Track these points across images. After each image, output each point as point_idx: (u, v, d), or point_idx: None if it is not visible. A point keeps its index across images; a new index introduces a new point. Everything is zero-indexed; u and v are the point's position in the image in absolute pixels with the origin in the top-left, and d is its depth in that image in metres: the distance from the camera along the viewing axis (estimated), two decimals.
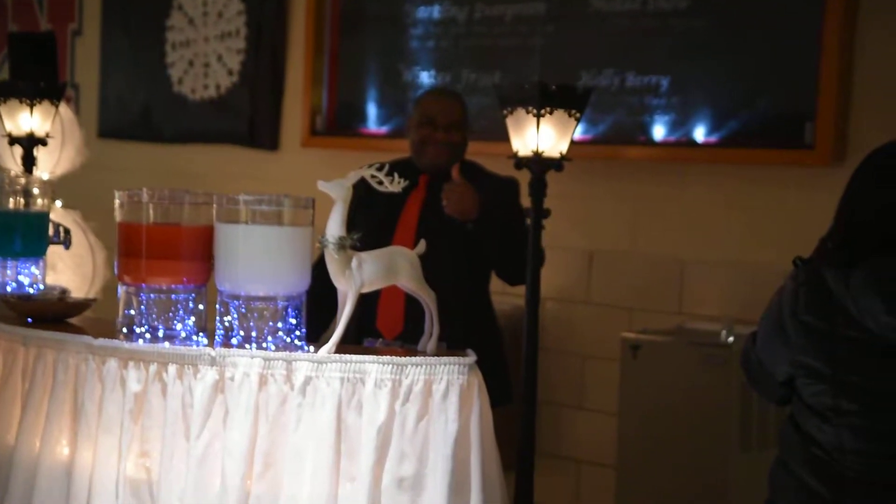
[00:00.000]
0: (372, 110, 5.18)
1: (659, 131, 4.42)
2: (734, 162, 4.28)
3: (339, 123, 5.29)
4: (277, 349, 2.85)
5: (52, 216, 3.54)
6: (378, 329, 3.75)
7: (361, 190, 2.92)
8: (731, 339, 3.98)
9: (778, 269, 4.21)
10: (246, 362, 2.80)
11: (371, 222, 3.54)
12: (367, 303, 3.62)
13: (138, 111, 5.93)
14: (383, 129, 5.11)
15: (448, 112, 3.88)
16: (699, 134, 4.33)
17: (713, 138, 4.31)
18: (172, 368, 2.84)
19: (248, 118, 5.58)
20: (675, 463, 3.98)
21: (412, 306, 2.94)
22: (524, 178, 3.81)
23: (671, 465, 3.99)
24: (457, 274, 3.73)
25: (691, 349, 4.02)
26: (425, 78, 5.02)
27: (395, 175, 2.90)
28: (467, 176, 3.67)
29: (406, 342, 3.12)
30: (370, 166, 2.90)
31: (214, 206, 2.97)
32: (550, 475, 4.37)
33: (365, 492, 2.73)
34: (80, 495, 2.90)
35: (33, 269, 3.32)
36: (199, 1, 5.71)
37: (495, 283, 4.77)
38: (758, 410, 3.98)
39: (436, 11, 4.99)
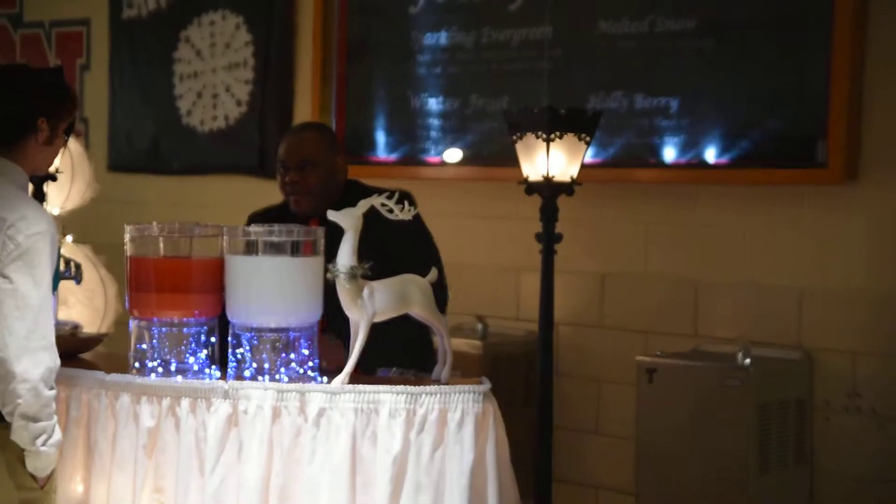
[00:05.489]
0: (380, 137, 5.17)
1: (670, 153, 4.40)
2: (746, 182, 4.26)
3: (347, 151, 5.28)
4: (290, 381, 2.84)
5: (63, 251, 3.54)
6: None
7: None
8: (747, 360, 3.95)
9: (794, 289, 4.20)
10: (259, 395, 2.79)
11: None
12: None
13: (148, 144, 5.94)
14: (392, 157, 5.10)
15: (296, 151, 3.44)
16: (710, 155, 4.31)
17: (724, 159, 4.29)
18: (185, 402, 2.83)
19: (257, 148, 5.58)
20: (695, 486, 3.94)
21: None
22: (535, 203, 3.80)
23: (690, 488, 3.95)
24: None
25: (708, 372, 3.98)
26: (433, 104, 5.01)
27: (406, 203, 2.89)
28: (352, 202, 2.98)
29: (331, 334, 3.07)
30: (379, 195, 2.89)
31: (224, 237, 2.96)
32: (568, 502, 4.33)
33: None
34: None
35: None
36: (206, 32, 5.73)
37: (508, 310, 4.75)
38: (777, 432, 3.94)
39: (443, 37, 4.99)
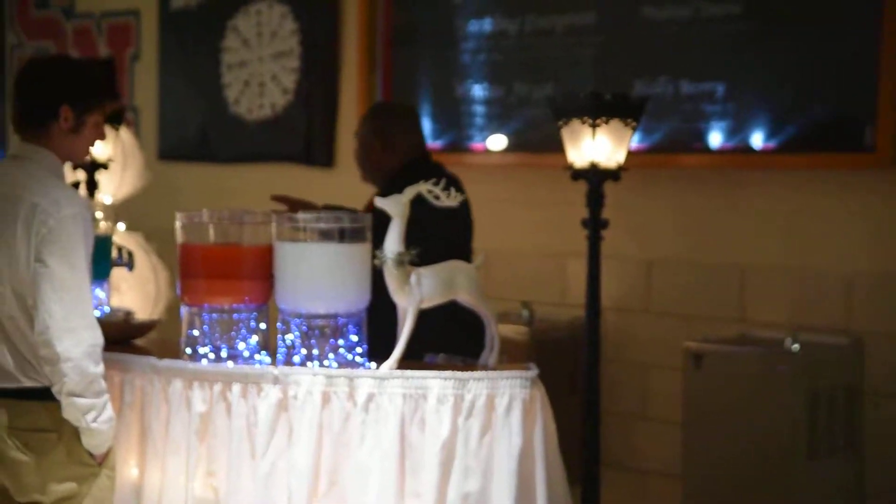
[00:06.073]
0: (425, 125, 5.19)
1: (715, 138, 4.38)
2: (793, 167, 4.23)
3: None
4: (339, 366, 2.87)
5: (115, 239, 3.60)
6: None
7: None
8: (795, 346, 3.93)
9: (841, 274, 4.17)
10: (308, 380, 2.82)
11: None
12: None
13: (196, 132, 6.00)
14: (437, 144, 5.12)
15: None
16: (756, 140, 4.29)
17: (771, 144, 4.26)
18: (237, 388, 2.87)
19: (303, 136, 5.62)
20: (742, 472, 3.93)
21: None
22: (580, 189, 3.80)
23: (738, 474, 3.94)
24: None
25: (756, 357, 3.97)
26: (478, 91, 5.02)
27: (452, 189, 2.91)
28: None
29: None
30: (426, 181, 2.91)
31: (274, 225, 2.99)
32: (616, 487, 4.33)
33: None
34: None
35: (98, 291, 3.36)
36: (253, 22, 5.77)
37: (553, 296, 4.75)
38: (826, 418, 3.92)
39: (487, 25, 4.99)
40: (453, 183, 3.22)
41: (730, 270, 4.36)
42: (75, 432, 2.69)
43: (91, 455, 2.72)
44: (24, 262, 2.65)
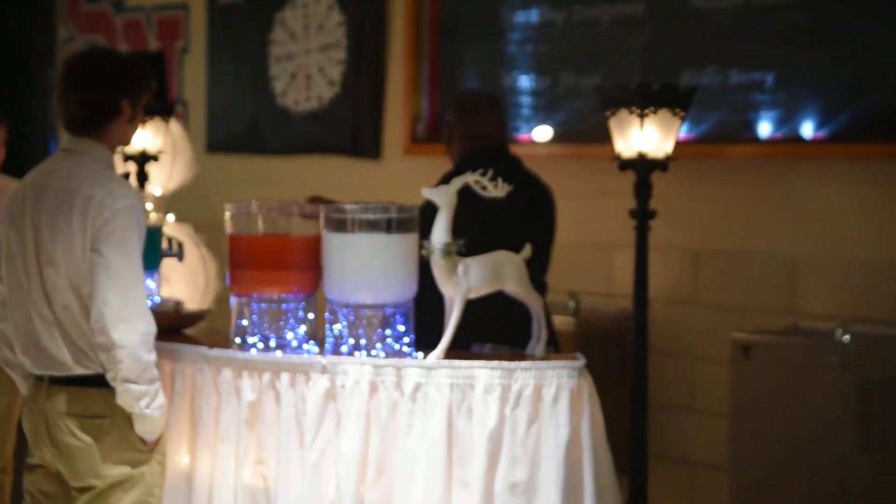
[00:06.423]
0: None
1: (765, 128, 4.34)
2: (844, 157, 4.18)
3: (439, 130, 5.32)
4: (387, 356, 2.88)
5: (165, 230, 3.64)
6: None
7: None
8: (846, 337, 3.89)
9: (892, 264, 4.11)
10: (356, 370, 2.84)
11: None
12: None
13: (244, 125, 6.05)
14: None
15: None
16: (807, 130, 4.24)
17: (821, 134, 4.21)
18: (285, 377, 2.89)
19: (350, 128, 5.64)
20: (791, 465, 3.90)
21: None
22: (627, 179, 3.79)
23: (786, 467, 3.91)
24: None
25: (806, 349, 3.93)
26: (525, 82, 5.01)
27: (499, 179, 2.91)
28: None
29: None
30: (474, 172, 2.92)
31: (322, 215, 3.01)
32: (663, 478, 4.32)
33: (478, 497, 2.74)
34: (200, 503, 2.97)
35: (149, 281, 3.40)
36: (299, 14, 5.80)
37: (599, 287, 4.74)
38: (877, 410, 3.88)
39: (534, 15, 4.98)
40: (514, 173, 3.28)
41: (779, 261, 4.32)
42: (128, 418, 2.73)
43: (143, 441, 2.76)
44: (80, 253, 2.69)
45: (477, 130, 3.61)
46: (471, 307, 2.85)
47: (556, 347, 3.31)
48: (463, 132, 3.60)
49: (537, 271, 3.38)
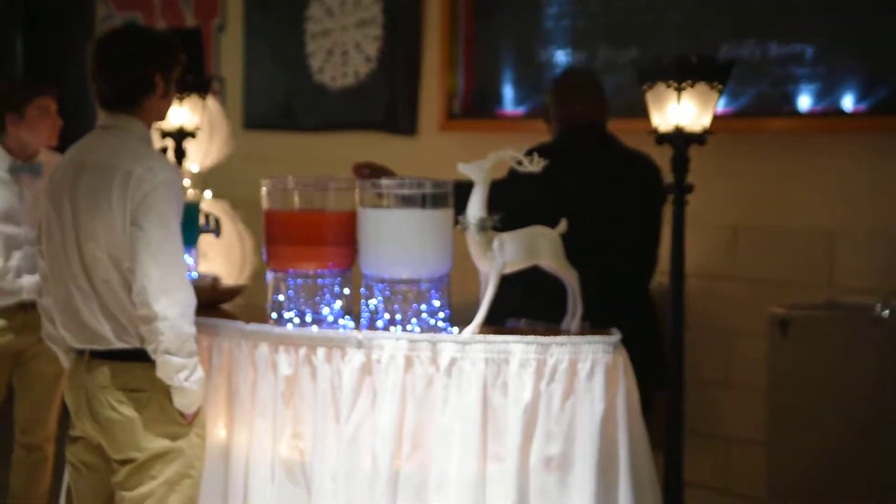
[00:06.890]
0: (508, 92, 5.17)
1: (804, 101, 4.29)
2: (884, 130, 4.13)
3: (475, 106, 5.30)
4: (422, 331, 2.89)
5: (202, 206, 3.66)
6: None
7: None
8: (885, 312, 3.85)
9: None
10: (392, 345, 2.85)
11: None
12: None
13: (280, 101, 6.06)
14: (520, 111, 5.10)
15: None
16: (847, 103, 4.19)
17: (862, 106, 4.16)
18: (321, 352, 2.91)
19: (386, 104, 5.64)
20: (828, 440, 3.88)
21: None
22: (664, 154, 3.76)
23: (823, 442, 3.89)
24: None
25: (845, 323, 3.90)
26: (561, 57, 4.98)
27: (535, 155, 2.90)
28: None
29: None
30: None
31: (357, 191, 3.02)
32: (699, 453, 4.31)
33: (513, 472, 2.75)
34: (237, 476, 3.01)
35: (186, 257, 3.42)
36: None
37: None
38: None
39: None
40: (599, 153, 3.47)
41: (818, 235, 4.29)
42: (167, 392, 2.76)
43: (182, 414, 2.79)
44: (121, 228, 2.72)
45: (566, 110, 3.67)
46: (506, 282, 2.86)
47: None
48: (555, 112, 3.68)
49: (642, 273, 3.67)
